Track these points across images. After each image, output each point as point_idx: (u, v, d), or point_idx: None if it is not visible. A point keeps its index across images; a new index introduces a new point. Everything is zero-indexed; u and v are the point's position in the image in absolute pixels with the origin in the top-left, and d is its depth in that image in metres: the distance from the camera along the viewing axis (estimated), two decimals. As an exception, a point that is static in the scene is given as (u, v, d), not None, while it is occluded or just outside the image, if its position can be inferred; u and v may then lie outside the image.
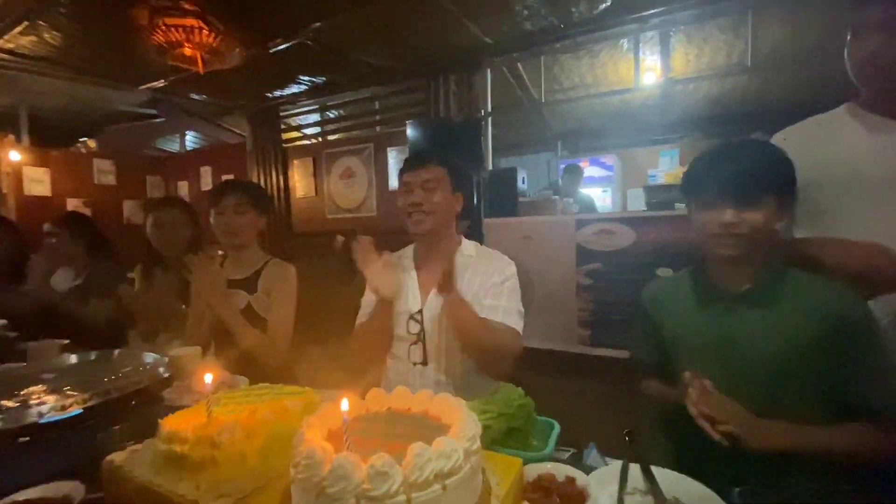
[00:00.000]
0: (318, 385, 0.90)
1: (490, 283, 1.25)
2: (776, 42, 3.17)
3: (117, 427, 0.74)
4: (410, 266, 1.37)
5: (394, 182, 3.88)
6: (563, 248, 2.88)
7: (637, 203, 4.67)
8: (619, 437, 0.84)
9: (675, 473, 0.74)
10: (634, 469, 0.73)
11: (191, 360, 1.12)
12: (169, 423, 0.69)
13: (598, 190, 4.86)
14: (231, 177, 4.88)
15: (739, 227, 0.94)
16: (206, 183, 5.01)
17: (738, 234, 0.94)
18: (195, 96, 4.28)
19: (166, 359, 0.90)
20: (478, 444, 0.54)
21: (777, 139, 1.24)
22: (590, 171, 5.03)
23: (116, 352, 0.96)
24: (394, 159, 3.84)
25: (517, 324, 1.20)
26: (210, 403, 0.67)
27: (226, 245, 1.62)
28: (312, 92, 4.09)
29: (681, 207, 3.60)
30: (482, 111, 3.37)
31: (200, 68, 3.03)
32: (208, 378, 0.70)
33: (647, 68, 3.56)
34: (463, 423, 0.55)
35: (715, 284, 1.03)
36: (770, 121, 4.61)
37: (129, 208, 5.05)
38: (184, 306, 1.70)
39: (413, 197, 1.26)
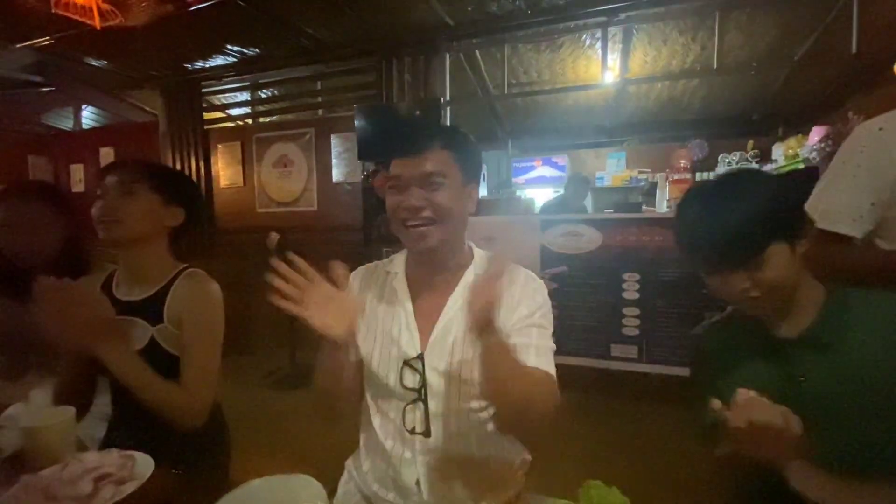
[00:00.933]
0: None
1: (516, 315, 0.86)
2: (734, 48, 3.22)
3: None
4: (403, 290, 0.96)
5: (338, 173, 3.47)
6: (527, 249, 2.70)
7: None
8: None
9: None
10: None
11: (54, 432, 0.69)
12: None
13: (549, 190, 4.78)
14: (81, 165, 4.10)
15: (754, 290, 0.77)
16: (107, 167, 4.24)
17: (756, 297, 0.77)
18: (93, 61, 3.55)
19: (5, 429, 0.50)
20: None
21: (871, 127, 0.99)
22: (542, 170, 4.94)
23: None
24: (339, 146, 3.43)
25: (551, 367, 0.85)
26: None
27: (105, 242, 1.08)
28: (242, 65, 3.54)
29: (648, 210, 3.59)
30: (441, 99, 3.08)
31: (97, 22, 2.43)
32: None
33: (607, 67, 3.49)
34: None
35: (767, 330, 0.84)
36: (712, 128, 4.84)
37: (2, 194, 4.14)
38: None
39: (409, 199, 0.85)
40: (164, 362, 1.04)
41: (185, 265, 1.16)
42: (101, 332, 0.94)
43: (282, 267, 0.76)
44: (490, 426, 0.89)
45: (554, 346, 0.88)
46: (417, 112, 2.93)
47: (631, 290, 2.52)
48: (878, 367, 0.76)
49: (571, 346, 2.62)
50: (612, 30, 3.06)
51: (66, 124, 4.89)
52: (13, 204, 1.28)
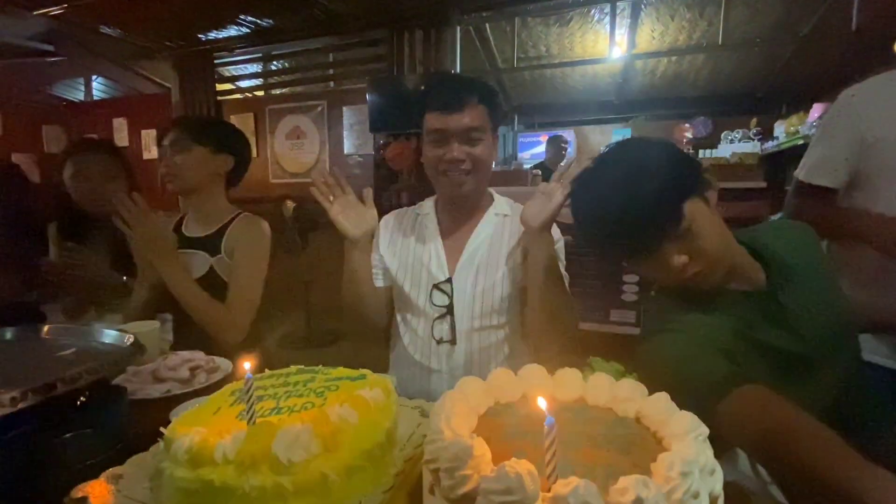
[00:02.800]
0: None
1: None
2: (741, 23, 3.26)
3: (69, 435, 0.49)
4: (433, 225, 1.12)
5: (349, 145, 3.55)
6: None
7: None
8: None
9: None
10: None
11: (149, 339, 0.85)
12: (185, 435, 0.44)
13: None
14: (153, 131, 4.23)
15: (693, 263, 0.70)
16: (122, 138, 4.30)
17: (699, 271, 0.71)
18: (106, 29, 3.57)
19: (129, 336, 0.64)
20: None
21: (846, 94, 1.12)
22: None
23: (46, 327, 0.68)
24: (350, 119, 3.50)
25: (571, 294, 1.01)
26: (251, 401, 0.44)
27: (174, 193, 1.32)
28: (254, 37, 3.58)
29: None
30: (451, 72, 3.14)
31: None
32: (246, 367, 0.47)
33: (615, 42, 3.53)
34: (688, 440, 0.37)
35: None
36: (717, 105, 4.87)
37: (20, 163, 4.22)
38: (124, 277, 1.35)
39: (451, 151, 0.98)
40: (220, 289, 1.25)
41: (240, 210, 1.38)
42: (165, 254, 1.18)
43: (325, 174, 1.01)
44: (507, 343, 1.04)
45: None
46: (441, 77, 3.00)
47: (632, 258, 2.64)
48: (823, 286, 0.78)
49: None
50: (620, 4, 3.11)
51: (77, 95, 4.93)
52: (84, 157, 1.44)
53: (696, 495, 0.31)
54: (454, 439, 0.36)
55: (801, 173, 1.15)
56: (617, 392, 0.49)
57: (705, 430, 0.41)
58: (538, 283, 0.94)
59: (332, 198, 1.00)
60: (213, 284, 1.24)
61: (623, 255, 0.78)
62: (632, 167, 0.72)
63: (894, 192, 1.04)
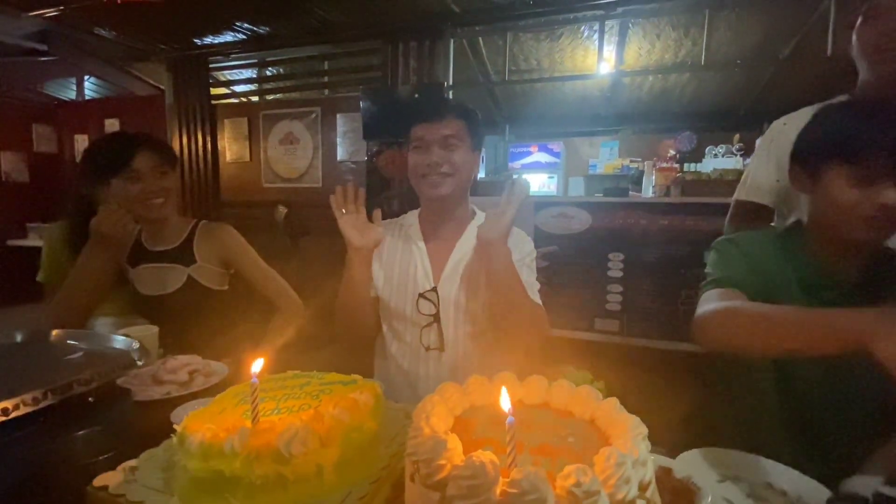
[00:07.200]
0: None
1: (514, 259, 1.11)
2: (723, 44, 3.39)
3: (81, 433, 0.54)
4: (417, 236, 1.19)
5: (342, 151, 3.60)
6: (522, 229, 2.88)
7: (577, 191, 4.85)
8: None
9: (756, 457, 0.71)
10: (721, 455, 0.69)
11: (149, 341, 0.89)
12: (197, 431, 0.50)
13: (544, 176, 4.96)
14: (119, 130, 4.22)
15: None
16: (113, 138, 4.30)
17: (893, 220, 0.77)
18: (101, 31, 3.59)
19: (136, 341, 0.68)
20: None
21: (779, 122, 1.28)
22: (538, 156, 5.11)
23: (54, 332, 0.72)
24: (344, 126, 3.56)
25: (540, 302, 1.09)
26: (256, 401, 0.49)
27: (146, 218, 1.33)
28: (250, 43, 3.63)
29: (634, 195, 3.78)
30: (444, 83, 3.21)
31: (117, -5, 2.52)
32: (257, 367, 0.52)
33: (603, 58, 3.64)
34: (631, 435, 0.44)
35: (822, 268, 0.87)
36: (702, 121, 5.01)
37: (9, 161, 4.20)
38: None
39: (430, 156, 1.08)
40: (200, 295, 1.33)
41: (196, 219, 1.46)
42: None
43: (350, 188, 1.09)
44: (495, 348, 1.10)
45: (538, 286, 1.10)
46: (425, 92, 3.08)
47: (615, 269, 2.73)
48: None
49: (559, 320, 2.82)
50: (609, 23, 3.21)
51: (68, 94, 4.91)
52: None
53: (627, 481, 0.38)
54: (432, 435, 0.42)
55: (740, 193, 1.27)
56: (575, 397, 0.55)
57: (644, 430, 0.47)
58: (498, 293, 1.02)
59: (344, 210, 1.07)
60: (193, 292, 1.31)
61: (857, 166, 0.79)
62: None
63: None
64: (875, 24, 1.11)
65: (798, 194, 0.94)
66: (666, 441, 0.85)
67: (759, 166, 1.27)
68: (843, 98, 1.07)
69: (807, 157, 0.88)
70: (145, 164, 1.28)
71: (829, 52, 2.63)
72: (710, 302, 0.84)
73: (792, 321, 0.71)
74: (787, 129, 1.21)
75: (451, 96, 3.36)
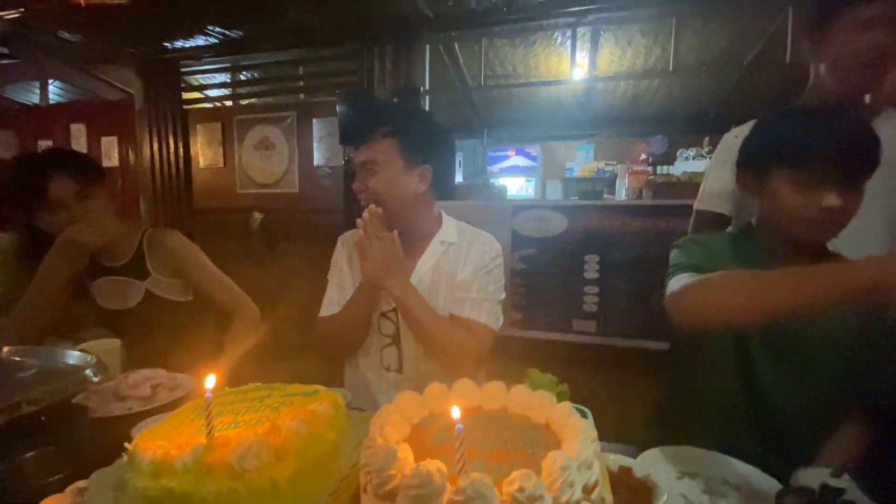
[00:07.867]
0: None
1: (463, 273, 1.07)
2: (691, 51, 3.49)
3: (31, 454, 0.52)
4: None
5: (319, 156, 3.57)
6: (500, 232, 2.90)
7: (554, 194, 4.92)
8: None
9: (714, 453, 0.73)
10: (681, 452, 0.71)
11: (111, 356, 0.87)
12: (148, 449, 0.48)
13: (522, 179, 5.02)
14: (113, 137, 4.10)
15: (839, 213, 0.79)
16: (80, 144, 4.17)
17: (834, 222, 0.81)
18: (65, 34, 3.49)
19: (92, 357, 0.66)
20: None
21: (731, 134, 1.32)
22: (516, 160, 5.16)
23: (6, 348, 0.69)
24: (320, 131, 3.53)
25: (488, 318, 1.05)
26: (210, 417, 0.48)
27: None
28: (223, 47, 3.57)
29: (608, 198, 3.86)
30: (420, 88, 3.22)
31: (81, -3, 2.45)
32: (210, 382, 0.51)
33: (576, 64, 3.71)
34: (580, 437, 0.45)
35: (770, 266, 0.86)
36: (673, 125, 5.15)
37: (-32, 168, 4.02)
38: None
39: (356, 181, 1.05)
40: (161, 309, 1.28)
41: (143, 227, 1.39)
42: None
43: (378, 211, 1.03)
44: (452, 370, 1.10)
45: (501, 297, 1.09)
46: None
47: (591, 271, 2.77)
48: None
49: (537, 321, 2.85)
50: (581, 29, 3.27)
51: (31, 98, 4.75)
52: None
53: (571, 485, 0.39)
54: (383, 445, 0.42)
55: (699, 204, 1.31)
56: (531, 402, 0.56)
57: (594, 434, 0.48)
58: (408, 322, 1.01)
59: (362, 231, 1.02)
60: (153, 306, 1.27)
61: (799, 171, 0.82)
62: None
63: None
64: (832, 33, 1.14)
65: (752, 202, 0.99)
66: (636, 439, 0.87)
67: (715, 178, 1.31)
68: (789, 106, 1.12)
69: (752, 164, 0.92)
70: (63, 190, 1.13)
71: (787, 58, 2.74)
72: (681, 282, 0.87)
73: (786, 280, 0.70)
74: (738, 140, 1.24)
75: (427, 101, 3.37)
